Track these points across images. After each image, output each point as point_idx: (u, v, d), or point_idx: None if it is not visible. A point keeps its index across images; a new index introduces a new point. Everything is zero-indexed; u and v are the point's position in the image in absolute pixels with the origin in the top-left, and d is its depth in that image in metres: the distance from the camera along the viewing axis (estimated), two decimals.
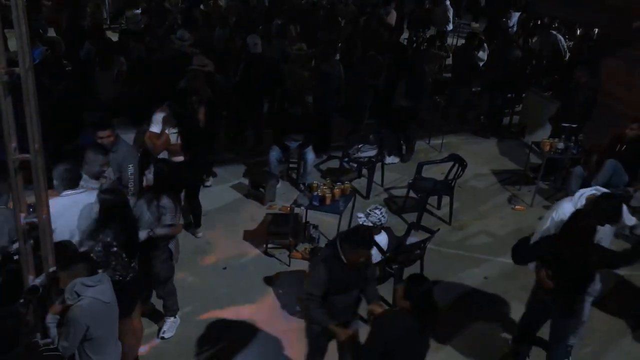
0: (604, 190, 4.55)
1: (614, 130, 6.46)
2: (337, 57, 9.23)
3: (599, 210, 4.11)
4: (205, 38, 9.29)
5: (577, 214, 4.04)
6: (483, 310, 5.42)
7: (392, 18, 12.40)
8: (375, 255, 4.56)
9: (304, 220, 6.25)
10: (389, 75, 8.50)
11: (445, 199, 6.98)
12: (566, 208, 4.35)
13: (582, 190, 4.54)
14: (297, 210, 6.07)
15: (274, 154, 7.05)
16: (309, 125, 7.17)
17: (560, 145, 7.02)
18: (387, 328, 3.32)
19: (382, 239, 4.62)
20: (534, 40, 11.42)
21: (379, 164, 7.49)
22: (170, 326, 4.89)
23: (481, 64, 10.17)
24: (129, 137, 6.02)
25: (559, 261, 3.93)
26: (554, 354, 4.36)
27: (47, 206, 3.35)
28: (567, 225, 3.98)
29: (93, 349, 3.40)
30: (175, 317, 4.94)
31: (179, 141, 5.68)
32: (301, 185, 7.10)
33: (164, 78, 7.04)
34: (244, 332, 5.01)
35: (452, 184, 6.73)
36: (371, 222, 4.61)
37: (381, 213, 4.66)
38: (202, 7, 12.27)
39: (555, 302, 4.07)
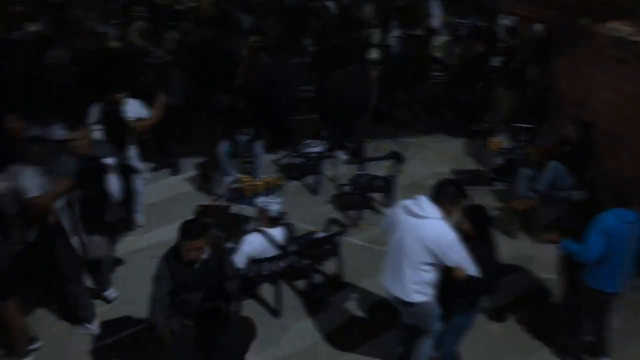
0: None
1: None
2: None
3: None
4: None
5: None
6: None
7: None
8: (271, 250, 4.57)
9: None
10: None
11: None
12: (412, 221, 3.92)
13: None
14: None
15: (223, 147, 7.10)
16: (258, 120, 7.21)
17: (505, 144, 6.90)
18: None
19: (277, 233, 4.62)
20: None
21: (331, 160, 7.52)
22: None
23: None
24: None
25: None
26: None
27: None
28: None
29: None
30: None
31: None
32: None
33: None
34: None
35: (391, 180, 6.68)
36: (270, 211, 4.58)
37: (278, 205, 4.62)
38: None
39: None
